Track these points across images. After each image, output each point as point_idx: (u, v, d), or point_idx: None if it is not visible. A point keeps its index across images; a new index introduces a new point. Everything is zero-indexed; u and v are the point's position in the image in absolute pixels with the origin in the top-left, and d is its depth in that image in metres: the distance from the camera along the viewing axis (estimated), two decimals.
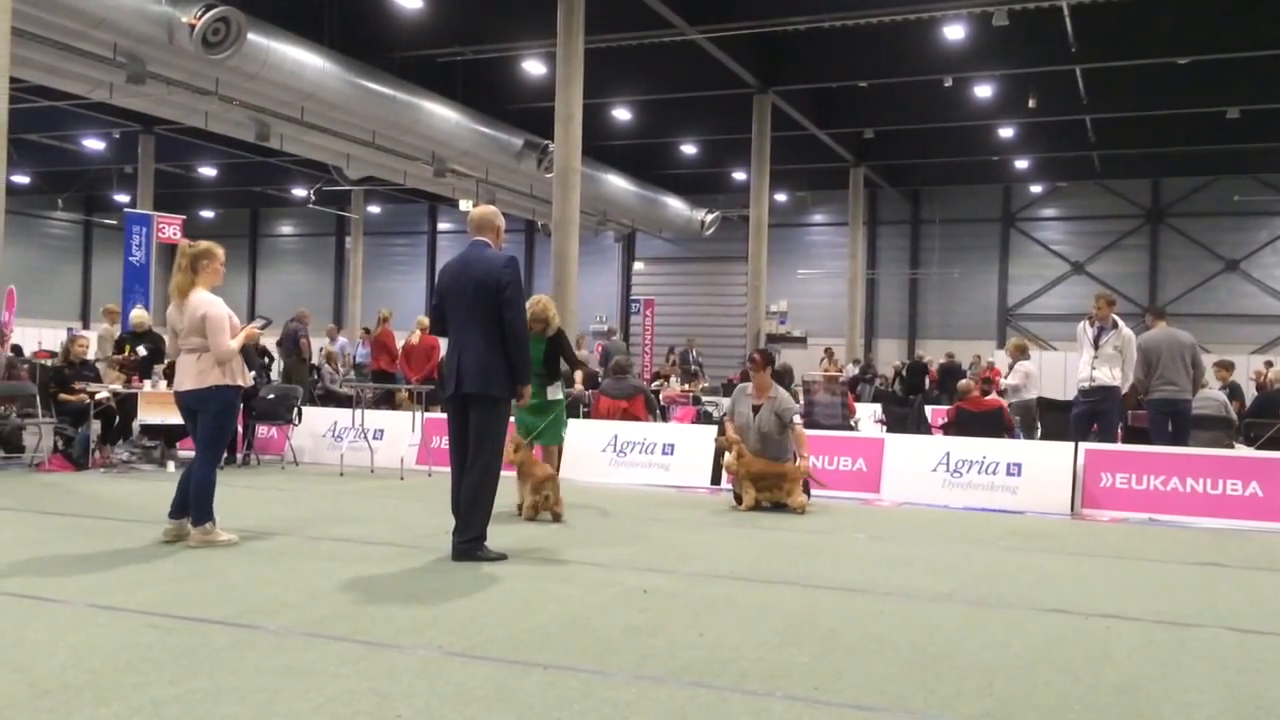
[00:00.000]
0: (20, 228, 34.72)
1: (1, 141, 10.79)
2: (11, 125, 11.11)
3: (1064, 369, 21.54)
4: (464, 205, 27.14)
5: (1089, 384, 10.62)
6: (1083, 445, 9.91)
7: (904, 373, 25.71)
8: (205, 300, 6.64)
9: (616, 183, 28.35)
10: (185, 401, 6.69)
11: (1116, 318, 10.82)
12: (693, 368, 22.30)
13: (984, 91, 23.08)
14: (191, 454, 6.90)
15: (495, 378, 6.32)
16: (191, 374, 6.60)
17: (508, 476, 7.30)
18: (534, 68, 21.80)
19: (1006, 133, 26.68)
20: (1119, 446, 10.37)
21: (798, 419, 9.26)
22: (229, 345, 6.59)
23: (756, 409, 9.28)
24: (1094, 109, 23.56)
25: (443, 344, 7.99)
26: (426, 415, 11.90)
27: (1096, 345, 10.64)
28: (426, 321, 14.02)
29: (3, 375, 12.27)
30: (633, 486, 10.78)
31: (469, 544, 6.27)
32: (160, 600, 4.99)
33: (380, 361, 15.67)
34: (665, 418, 15.59)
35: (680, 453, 11.08)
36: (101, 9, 14.44)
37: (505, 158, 23.57)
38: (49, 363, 14.80)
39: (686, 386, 19.65)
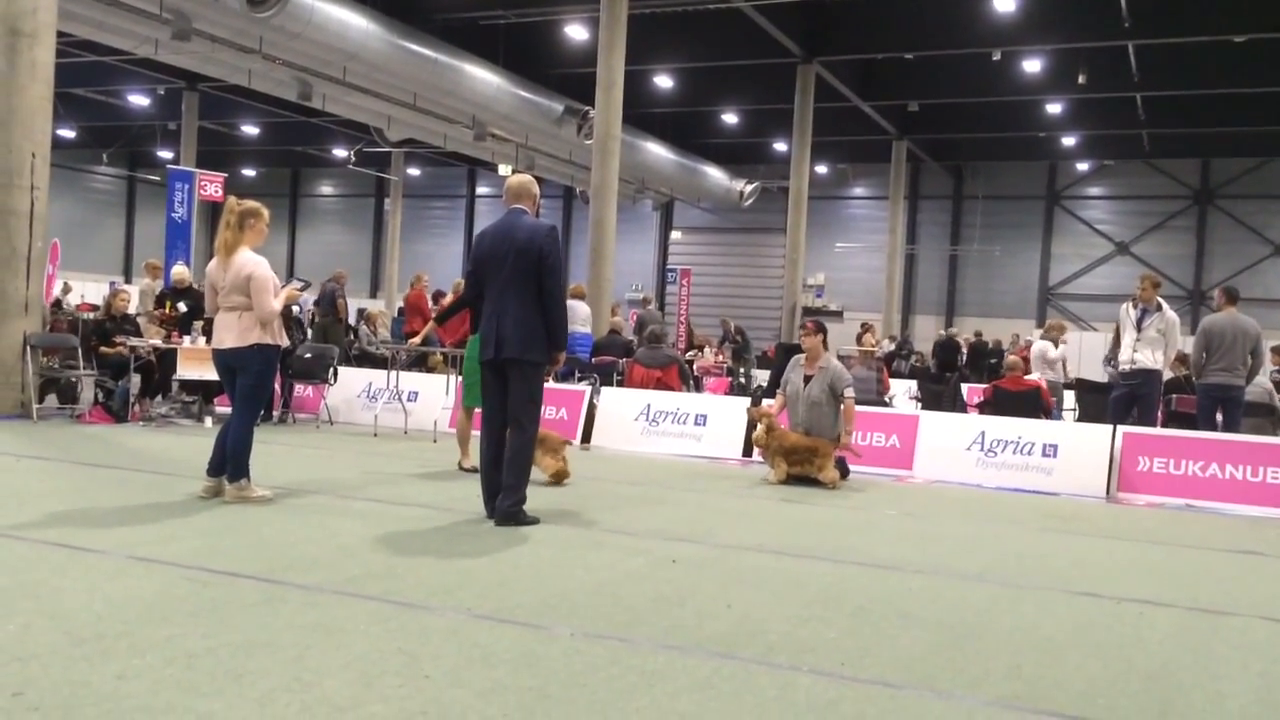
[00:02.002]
0: (65, 181, 35.15)
1: (48, 95, 10.90)
2: (58, 79, 11.19)
3: (1103, 350, 21.21)
4: (503, 170, 27.14)
5: (1130, 366, 10.48)
6: (1120, 428, 9.79)
7: (938, 349, 25.45)
8: (251, 260, 6.67)
9: (656, 151, 28.21)
10: (225, 360, 6.72)
11: (1161, 300, 10.65)
12: (729, 345, 21.92)
13: (1033, 66, 22.69)
14: (229, 410, 6.97)
15: (534, 343, 6.37)
16: (234, 332, 6.63)
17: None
18: (576, 33, 21.67)
19: (1054, 108, 26.25)
20: (1158, 430, 10.22)
21: (849, 392, 9.14)
22: (273, 306, 6.63)
23: (808, 379, 9.25)
24: (1145, 86, 23.09)
25: None
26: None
27: (1139, 328, 10.48)
28: (462, 284, 14.01)
29: (47, 327, 12.45)
30: (664, 456, 10.79)
31: (514, 507, 6.32)
32: (195, 554, 5.06)
33: (414, 323, 15.71)
34: (699, 388, 15.55)
35: (713, 424, 11.07)
36: None
37: (545, 123, 23.52)
38: (90, 316, 15.00)
39: (719, 357, 19.53)
